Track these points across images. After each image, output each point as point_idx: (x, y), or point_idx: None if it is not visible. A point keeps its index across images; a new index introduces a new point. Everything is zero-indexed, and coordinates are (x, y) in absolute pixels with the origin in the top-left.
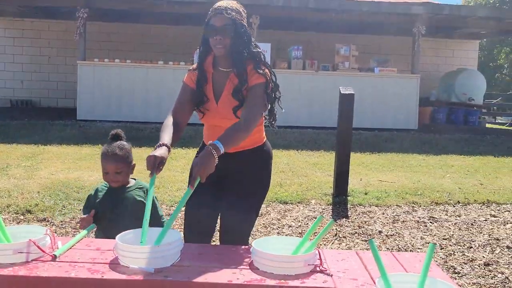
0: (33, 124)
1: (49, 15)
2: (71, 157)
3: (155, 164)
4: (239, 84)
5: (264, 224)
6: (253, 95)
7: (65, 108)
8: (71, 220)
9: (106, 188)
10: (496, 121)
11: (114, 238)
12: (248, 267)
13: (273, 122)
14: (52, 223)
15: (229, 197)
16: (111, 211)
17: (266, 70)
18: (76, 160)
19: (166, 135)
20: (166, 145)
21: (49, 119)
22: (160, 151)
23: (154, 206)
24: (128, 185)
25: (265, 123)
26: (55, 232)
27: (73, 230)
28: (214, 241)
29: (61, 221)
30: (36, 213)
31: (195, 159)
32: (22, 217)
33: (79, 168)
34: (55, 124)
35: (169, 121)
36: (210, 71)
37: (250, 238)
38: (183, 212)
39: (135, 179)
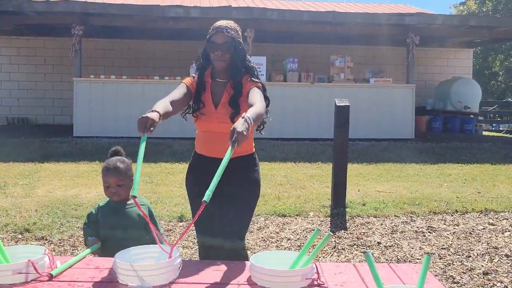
0: (29, 141)
1: (45, 32)
2: (68, 174)
3: (146, 125)
4: (234, 95)
5: (263, 237)
6: (255, 93)
7: (61, 125)
8: (69, 238)
9: (107, 205)
10: (493, 128)
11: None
12: (246, 283)
13: (262, 130)
14: (50, 242)
15: (230, 199)
16: (115, 228)
17: (259, 83)
18: (73, 177)
19: (160, 105)
20: (158, 112)
21: (45, 136)
22: (152, 115)
23: (153, 222)
24: (129, 202)
25: (255, 130)
26: (53, 251)
27: (71, 248)
28: None
29: (59, 239)
30: (34, 232)
31: (235, 124)
32: (20, 236)
33: (76, 185)
34: (52, 141)
35: (166, 100)
36: (209, 81)
37: (249, 252)
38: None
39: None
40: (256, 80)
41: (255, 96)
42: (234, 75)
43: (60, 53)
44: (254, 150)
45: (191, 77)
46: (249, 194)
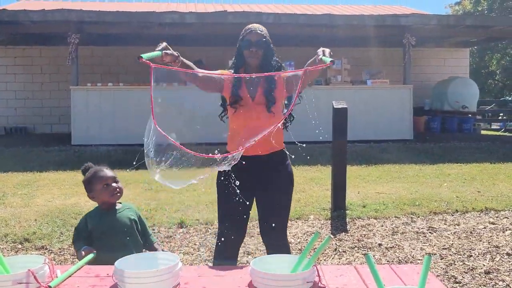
0: (28, 151)
1: (41, 41)
2: (67, 183)
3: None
4: (269, 87)
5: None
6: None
7: (59, 134)
8: (69, 247)
9: (96, 213)
10: (492, 127)
11: (113, 259)
12: (247, 287)
13: (288, 125)
14: (50, 251)
15: (268, 193)
16: (108, 235)
17: None
18: (72, 186)
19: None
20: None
21: (44, 146)
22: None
23: (143, 223)
24: (118, 207)
25: (285, 125)
26: (53, 260)
27: (72, 256)
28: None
29: (59, 248)
30: (34, 241)
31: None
32: (20, 246)
33: (75, 194)
34: (50, 150)
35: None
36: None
37: (250, 257)
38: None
39: (120, 203)
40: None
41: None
42: (267, 70)
43: (57, 61)
44: (284, 146)
45: (227, 70)
46: (286, 186)
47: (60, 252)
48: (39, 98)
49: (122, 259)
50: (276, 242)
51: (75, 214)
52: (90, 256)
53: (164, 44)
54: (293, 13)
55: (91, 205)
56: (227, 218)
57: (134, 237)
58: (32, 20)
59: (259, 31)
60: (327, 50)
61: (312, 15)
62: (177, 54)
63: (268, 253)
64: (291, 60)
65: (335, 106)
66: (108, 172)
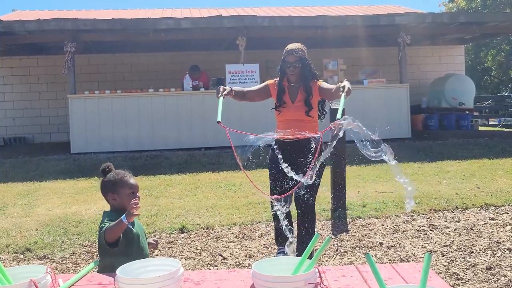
0: (27, 161)
1: (37, 51)
2: (67, 192)
3: (222, 90)
4: (307, 96)
5: (265, 244)
6: (326, 83)
7: (58, 143)
8: (71, 255)
9: (115, 215)
10: (489, 123)
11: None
12: None
13: (323, 118)
14: (52, 260)
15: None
16: (140, 236)
17: None
18: (72, 194)
19: (236, 87)
20: (230, 88)
21: (43, 155)
22: (226, 87)
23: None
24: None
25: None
26: (56, 269)
27: (74, 265)
28: None
29: (61, 257)
30: (35, 251)
31: (343, 83)
32: (22, 256)
33: (76, 202)
34: (50, 159)
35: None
36: (286, 85)
37: (251, 260)
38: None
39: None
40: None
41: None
42: (304, 82)
43: (54, 71)
44: (319, 133)
45: (274, 80)
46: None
47: (62, 261)
48: (37, 107)
49: (124, 266)
50: (306, 206)
51: (76, 222)
52: (92, 265)
53: (220, 88)
54: (288, 16)
55: (92, 212)
56: (275, 183)
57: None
58: (28, 30)
59: (295, 54)
60: (347, 86)
61: (307, 17)
62: (229, 89)
63: (298, 217)
64: None
65: (332, 107)
66: (134, 180)
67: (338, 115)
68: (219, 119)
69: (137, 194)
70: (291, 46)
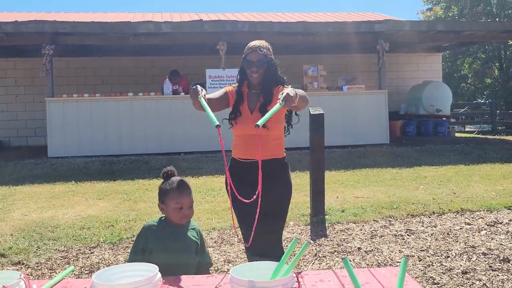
0: (3, 165)
1: (15, 53)
2: (44, 196)
3: (198, 91)
4: (264, 102)
5: (243, 249)
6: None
7: (35, 146)
8: (46, 261)
9: (160, 227)
10: (466, 130)
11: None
12: None
13: (288, 133)
14: (27, 266)
15: (265, 200)
16: (169, 253)
17: None
18: (49, 199)
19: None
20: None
21: (19, 159)
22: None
23: (202, 244)
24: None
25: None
26: (30, 275)
27: (49, 271)
28: None
29: (37, 263)
30: (10, 257)
31: (286, 89)
32: None
33: (52, 207)
34: (26, 163)
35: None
36: (246, 91)
37: (230, 265)
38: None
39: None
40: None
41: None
42: (265, 87)
43: (31, 73)
44: (285, 155)
45: (232, 86)
46: (283, 194)
47: (37, 266)
48: (13, 110)
49: (100, 271)
50: (268, 247)
51: (52, 227)
52: (70, 269)
53: (197, 88)
54: (268, 21)
55: (69, 217)
56: (241, 217)
57: (191, 259)
58: (5, 32)
59: (259, 51)
60: (286, 93)
61: (287, 23)
62: (199, 91)
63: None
64: None
65: (311, 112)
66: (187, 195)
67: (259, 122)
68: (217, 122)
69: (187, 211)
70: (254, 42)
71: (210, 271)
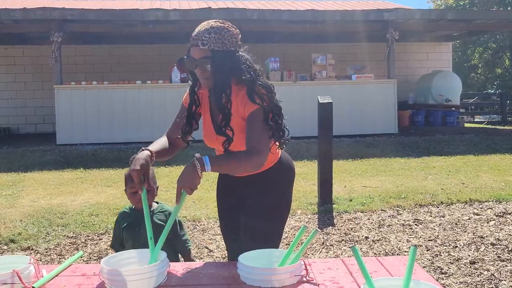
0: (12, 151)
1: (23, 41)
2: (52, 183)
3: (139, 179)
4: (221, 121)
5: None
6: (250, 122)
7: (44, 134)
8: (55, 246)
9: (129, 212)
10: (475, 120)
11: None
12: (235, 282)
13: (283, 145)
14: (36, 251)
15: (248, 221)
16: (135, 235)
17: (263, 96)
18: (58, 186)
19: (155, 144)
20: (149, 150)
21: (28, 146)
22: (142, 154)
23: (181, 227)
24: (151, 208)
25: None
26: (40, 260)
27: (58, 256)
28: None
29: (46, 249)
30: (19, 242)
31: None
32: (5, 247)
33: (61, 194)
34: (35, 150)
35: (161, 138)
36: (203, 93)
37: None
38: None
39: (158, 203)
40: (255, 99)
41: (247, 131)
42: (217, 96)
43: (40, 61)
44: (278, 159)
45: (187, 93)
46: (269, 208)
47: (46, 252)
48: (22, 98)
49: (109, 256)
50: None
51: (61, 213)
52: (79, 254)
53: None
54: (277, 9)
55: (77, 204)
56: (226, 230)
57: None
58: (14, 19)
59: (201, 46)
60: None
61: (296, 11)
62: (147, 153)
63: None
64: (276, 56)
65: (320, 101)
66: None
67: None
68: (150, 235)
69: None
70: (198, 28)
71: (193, 258)
